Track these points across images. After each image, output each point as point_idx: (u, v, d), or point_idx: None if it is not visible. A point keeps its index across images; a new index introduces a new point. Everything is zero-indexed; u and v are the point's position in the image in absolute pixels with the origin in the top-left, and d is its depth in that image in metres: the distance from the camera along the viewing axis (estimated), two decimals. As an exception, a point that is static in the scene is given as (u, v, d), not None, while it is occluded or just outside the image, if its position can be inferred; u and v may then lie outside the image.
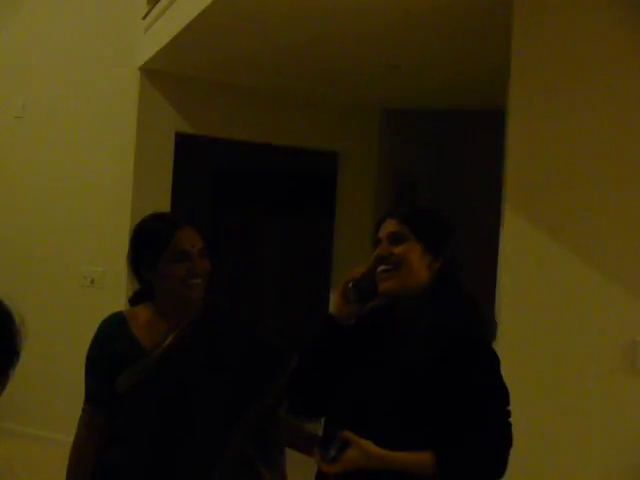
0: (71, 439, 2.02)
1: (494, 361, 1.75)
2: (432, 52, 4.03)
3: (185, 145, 4.86)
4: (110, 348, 1.94)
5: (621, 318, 2.81)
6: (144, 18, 4.43)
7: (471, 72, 4.37)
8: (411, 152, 6.89)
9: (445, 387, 1.64)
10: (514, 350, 2.93)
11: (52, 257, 4.92)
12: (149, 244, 1.93)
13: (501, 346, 2.84)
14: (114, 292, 4.21)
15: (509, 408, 1.74)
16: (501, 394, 1.73)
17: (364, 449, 1.61)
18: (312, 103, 5.22)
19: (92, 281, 4.66)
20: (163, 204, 4.54)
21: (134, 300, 2.05)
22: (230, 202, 7.34)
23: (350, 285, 1.77)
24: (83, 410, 2.00)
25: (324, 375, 1.76)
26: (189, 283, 1.90)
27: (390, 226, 1.78)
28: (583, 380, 2.85)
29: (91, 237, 4.77)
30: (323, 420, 1.86)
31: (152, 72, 4.63)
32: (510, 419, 1.74)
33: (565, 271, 2.90)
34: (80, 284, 4.71)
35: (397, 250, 1.74)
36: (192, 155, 5.84)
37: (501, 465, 1.70)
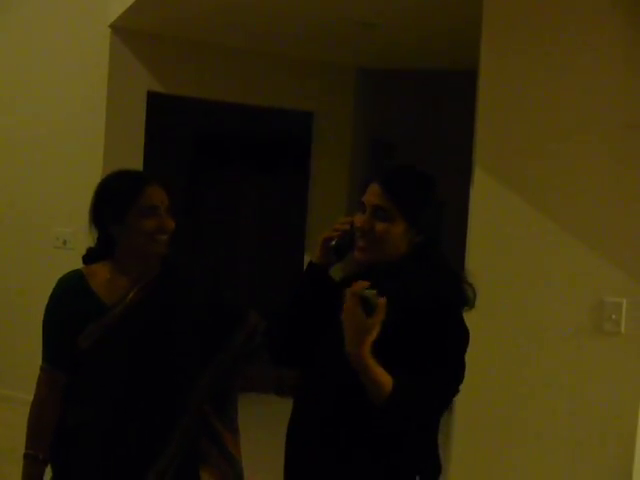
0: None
1: (460, 334, 1.74)
2: (408, 11, 4.03)
3: (158, 105, 4.86)
4: (69, 305, 1.96)
5: (589, 278, 2.86)
6: (114, -26, 4.40)
7: (447, 32, 4.37)
8: (388, 114, 6.90)
9: (409, 349, 1.65)
10: (480, 309, 2.98)
11: (23, 219, 4.93)
12: (118, 197, 1.95)
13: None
14: (86, 253, 4.23)
15: (459, 387, 1.74)
16: (454, 369, 1.72)
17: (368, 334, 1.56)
18: (286, 62, 5.23)
19: (64, 242, 4.69)
20: (135, 165, 4.53)
21: (88, 258, 2.05)
22: (205, 163, 7.33)
23: (332, 244, 1.81)
24: (42, 369, 2.01)
25: (306, 322, 1.79)
26: (156, 238, 1.94)
27: (375, 196, 1.76)
28: (549, 340, 2.90)
29: (62, 198, 4.77)
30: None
31: (123, 30, 4.61)
32: (454, 398, 1.75)
33: (534, 231, 2.94)
34: (53, 245, 4.74)
35: (379, 227, 1.74)
36: (165, 115, 5.83)
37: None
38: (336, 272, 1.90)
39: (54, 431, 1.97)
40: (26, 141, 4.92)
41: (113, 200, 1.96)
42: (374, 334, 1.57)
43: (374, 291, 1.57)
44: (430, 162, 7.78)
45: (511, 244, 3.00)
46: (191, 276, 2.09)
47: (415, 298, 1.67)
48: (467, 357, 1.80)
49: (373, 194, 1.77)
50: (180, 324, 1.98)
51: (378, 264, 1.79)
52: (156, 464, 1.91)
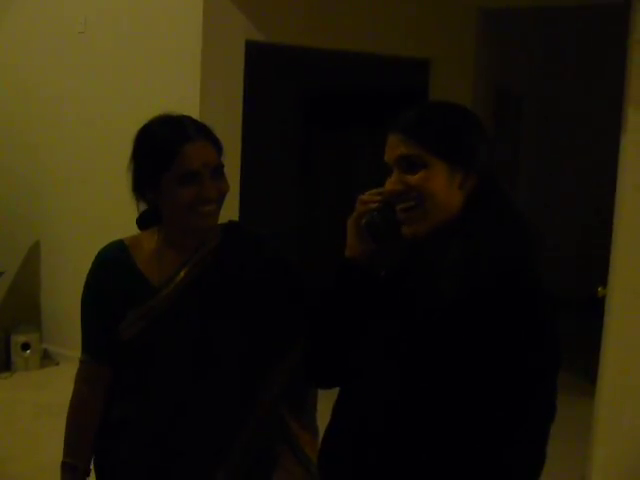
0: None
1: (539, 328, 1.33)
2: None
3: (259, 56, 4.72)
4: (108, 285, 1.70)
5: None
6: None
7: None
8: (514, 60, 6.54)
9: (463, 345, 1.31)
10: (632, 275, 2.80)
11: (119, 181, 4.89)
12: (150, 157, 1.66)
13: (618, 264, 2.78)
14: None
15: (547, 426, 1.35)
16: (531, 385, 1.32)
17: None
18: (398, 2, 4.94)
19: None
20: (233, 121, 4.44)
21: (142, 223, 1.79)
22: (314, 117, 7.24)
23: (363, 222, 1.47)
24: (81, 362, 1.76)
25: (342, 334, 1.48)
26: (198, 210, 1.63)
27: (397, 146, 1.42)
28: None
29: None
30: None
31: (217, -27, 4.46)
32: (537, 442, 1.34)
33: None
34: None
35: (414, 181, 1.40)
36: (267, 67, 5.71)
37: None
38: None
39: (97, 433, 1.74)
40: (119, 97, 4.91)
41: (146, 159, 1.67)
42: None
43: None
44: (568, 116, 7.35)
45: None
46: (259, 247, 1.77)
47: (477, 271, 1.32)
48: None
49: (392, 146, 1.44)
50: (245, 308, 1.69)
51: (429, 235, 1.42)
52: (221, 469, 1.68)
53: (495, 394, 1.30)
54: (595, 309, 3.07)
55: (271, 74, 6.27)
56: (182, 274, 1.68)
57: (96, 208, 5.08)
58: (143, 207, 1.78)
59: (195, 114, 4.42)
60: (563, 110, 7.38)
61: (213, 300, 1.69)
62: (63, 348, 5.31)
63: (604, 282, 2.97)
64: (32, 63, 5.36)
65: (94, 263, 1.76)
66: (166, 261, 1.70)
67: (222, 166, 1.67)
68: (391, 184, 1.43)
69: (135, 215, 4.89)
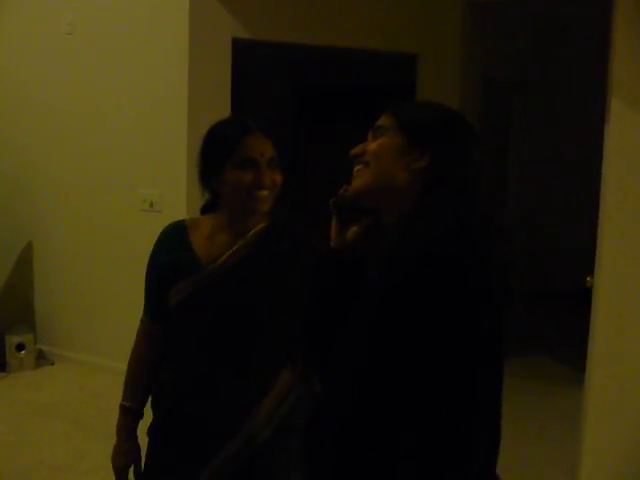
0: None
1: (467, 313, 1.27)
2: None
3: (247, 53, 4.72)
4: (166, 257, 1.95)
5: None
6: None
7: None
8: (502, 51, 6.54)
9: (397, 335, 1.27)
10: (618, 263, 2.81)
11: (109, 181, 4.96)
12: (215, 148, 1.90)
13: (605, 253, 2.79)
14: (173, 215, 4.13)
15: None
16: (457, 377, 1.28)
17: None
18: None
19: (151, 204, 4.68)
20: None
21: (204, 210, 2.02)
22: (303, 113, 7.22)
23: (330, 203, 1.51)
24: (141, 321, 2.04)
25: (333, 320, 1.46)
26: (254, 194, 1.86)
27: (379, 120, 1.49)
28: None
29: (148, 159, 4.75)
30: None
31: (203, -29, 4.45)
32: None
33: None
34: (139, 208, 4.74)
35: (372, 145, 1.46)
36: (255, 64, 5.70)
37: None
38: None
39: (150, 385, 2.01)
40: (108, 99, 4.91)
41: (212, 150, 1.91)
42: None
43: None
44: (560, 107, 7.28)
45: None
46: (301, 239, 1.95)
47: (404, 257, 1.28)
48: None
49: (378, 121, 1.50)
50: (279, 292, 1.87)
51: (368, 198, 1.45)
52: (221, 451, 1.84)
53: (428, 392, 1.27)
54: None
55: (258, 71, 6.26)
56: (227, 254, 1.90)
57: (88, 208, 5.08)
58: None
59: (183, 112, 4.47)
60: (553, 100, 7.38)
61: (249, 282, 1.88)
62: (58, 348, 5.32)
63: (593, 272, 2.98)
64: (20, 65, 5.35)
65: (158, 236, 2.01)
66: (216, 242, 1.92)
67: (277, 159, 1.90)
68: (355, 148, 1.50)
69: (127, 216, 4.90)
